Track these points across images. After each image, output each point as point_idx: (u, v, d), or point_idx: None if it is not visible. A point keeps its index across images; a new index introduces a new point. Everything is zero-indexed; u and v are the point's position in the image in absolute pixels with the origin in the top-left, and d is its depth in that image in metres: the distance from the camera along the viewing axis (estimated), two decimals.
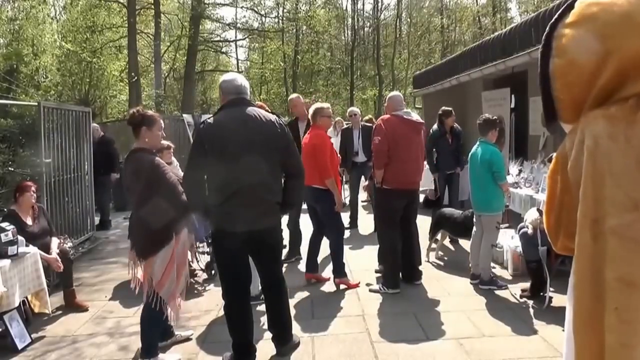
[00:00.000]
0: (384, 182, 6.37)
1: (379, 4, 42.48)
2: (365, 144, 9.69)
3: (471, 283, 6.67)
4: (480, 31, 38.90)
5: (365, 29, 44.71)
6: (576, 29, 1.69)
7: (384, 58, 41.64)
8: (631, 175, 1.57)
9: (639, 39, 1.59)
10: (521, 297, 6.14)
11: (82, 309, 6.30)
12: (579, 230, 1.68)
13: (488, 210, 6.45)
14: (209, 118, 4.41)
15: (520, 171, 8.68)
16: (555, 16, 1.76)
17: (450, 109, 9.17)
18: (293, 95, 8.73)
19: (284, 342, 4.80)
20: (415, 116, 6.59)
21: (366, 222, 10.29)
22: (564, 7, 1.76)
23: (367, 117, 12.31)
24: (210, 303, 6.35)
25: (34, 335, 5.49)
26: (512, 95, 10.25)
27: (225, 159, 4.20)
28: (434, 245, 7.97)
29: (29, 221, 6.25)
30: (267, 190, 4.37)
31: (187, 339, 5.19)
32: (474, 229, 6.76)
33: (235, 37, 38.02)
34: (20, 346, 5.18)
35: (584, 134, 1.67)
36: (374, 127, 6.82)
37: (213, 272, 7.31)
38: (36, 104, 8.72)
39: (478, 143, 6.53)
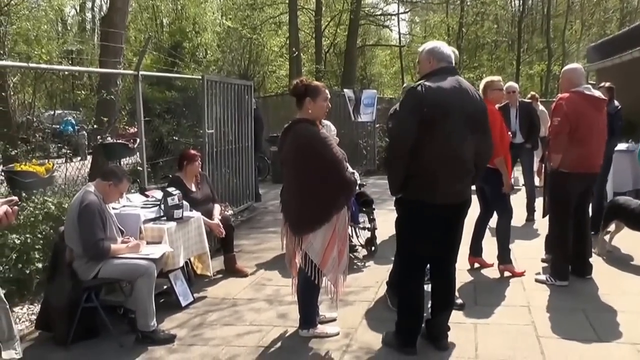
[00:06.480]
0: (561, 165, 6.09)
1: None
2: (523, 124, 9.12)
3: None
4: None
5: None
6: None
7: (553, 30, 39.55)
8: None
9: None
10: None
11: (242, 274, 6.70)
12: None
13: None
14: (422, 82, 4.28)
15: None
16: None
17: (606, 84, 8.37)
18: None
19: (444, 329, 4.71)
20: (597, 92, 6.23)
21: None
22: None
23: (531, 94, 11.85)
24: (370, 279, 6.47)
25: (196, 295, 5.93)
26: None
27: (444, 126, 4.19)
28: (606, 238, 7.40)
29: (193, 188, 6.73)
30: (472, 163, 4.42)
31: (332, 320, 5.23)
32: None
33: (398, 10, 37.91)
34: (183, 304, 5.66)
35: None
36: (552, 105, 6.47)
37: (373, 248, 7.45)
38: (200, 77, 9.31)
39: None
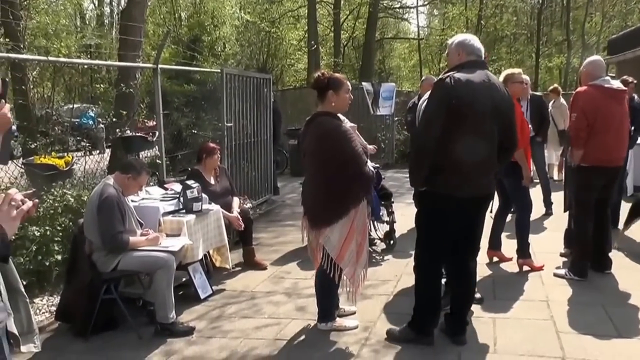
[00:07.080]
0: (581, 160, 5.99)
1: None
2: (534, 117, 9.00)
3: None
4: None
5: None
6: None
7: (573, 22, 39.14)
8: None
9: None
10: None
11: (260, 267, 6.74)
12: None
13: None
14: (451, 74, 4.24)
15: None
16: None
17: (628, 78, 8.25)
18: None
19: (463, 324, 4.68)
20: (615, 83, 6.13)
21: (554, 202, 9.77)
22: None
23: (553, 87, 11.74)
24: (389, 273, 6.45)
25: (214, 288, 5.97)
26: None
27: (472, 119, 4.18)
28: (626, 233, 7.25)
29: (212, 181, 6.76)
30: (496, 157, 4.42)
31: (351, 314, 5.22)
32: None
33: (417, 2, 37.76)
34: (202, 296, 5.70)
35: None
36: (571, 99, 6.39)
37: (392, 242, 7.43)
38: (219, 70, 9.34)
39: None
